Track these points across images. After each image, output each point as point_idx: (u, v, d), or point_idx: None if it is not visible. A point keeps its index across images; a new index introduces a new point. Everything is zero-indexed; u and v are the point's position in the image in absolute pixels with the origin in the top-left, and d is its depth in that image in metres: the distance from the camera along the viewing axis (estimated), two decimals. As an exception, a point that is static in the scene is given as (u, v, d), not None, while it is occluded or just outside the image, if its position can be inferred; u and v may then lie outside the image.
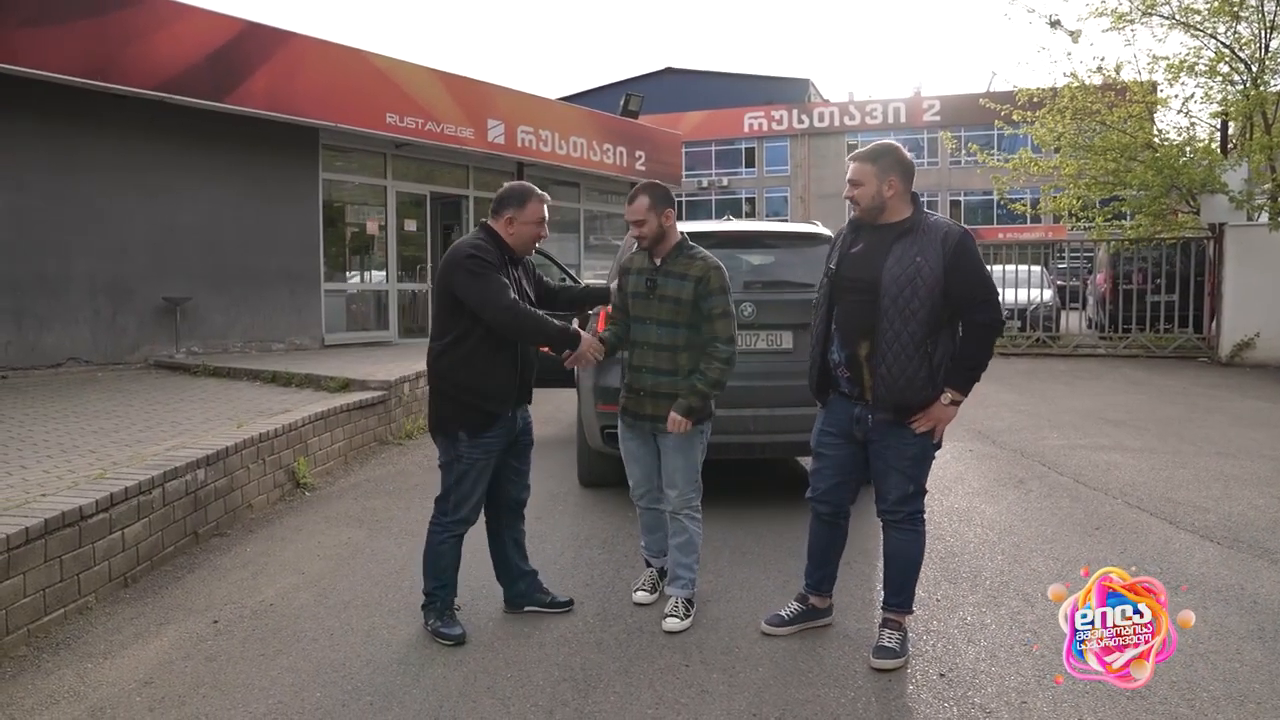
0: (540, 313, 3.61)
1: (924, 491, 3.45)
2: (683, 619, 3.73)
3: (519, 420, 3.77)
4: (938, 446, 3.41)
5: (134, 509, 4.30)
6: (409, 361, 9.28)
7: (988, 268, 3.34)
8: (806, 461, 6.40)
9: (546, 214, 3.68)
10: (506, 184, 3.75)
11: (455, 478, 3.63)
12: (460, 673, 3.35)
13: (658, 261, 3.79)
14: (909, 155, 3.41)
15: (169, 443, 5.38)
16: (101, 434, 5.77)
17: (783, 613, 3.70)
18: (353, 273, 13.11)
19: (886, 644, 3.38)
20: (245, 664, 3.44)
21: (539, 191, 3.68)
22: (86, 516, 3.97)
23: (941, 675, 3.29)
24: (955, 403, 3.29)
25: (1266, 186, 13.68)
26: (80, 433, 5.83)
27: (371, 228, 12.90)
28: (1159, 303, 14.20)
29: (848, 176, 3.39)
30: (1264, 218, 13.46)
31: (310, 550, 4.83)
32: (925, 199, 45.25)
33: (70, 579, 3.86)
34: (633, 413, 3.87)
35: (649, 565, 4.11)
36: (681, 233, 3.86)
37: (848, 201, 3.43)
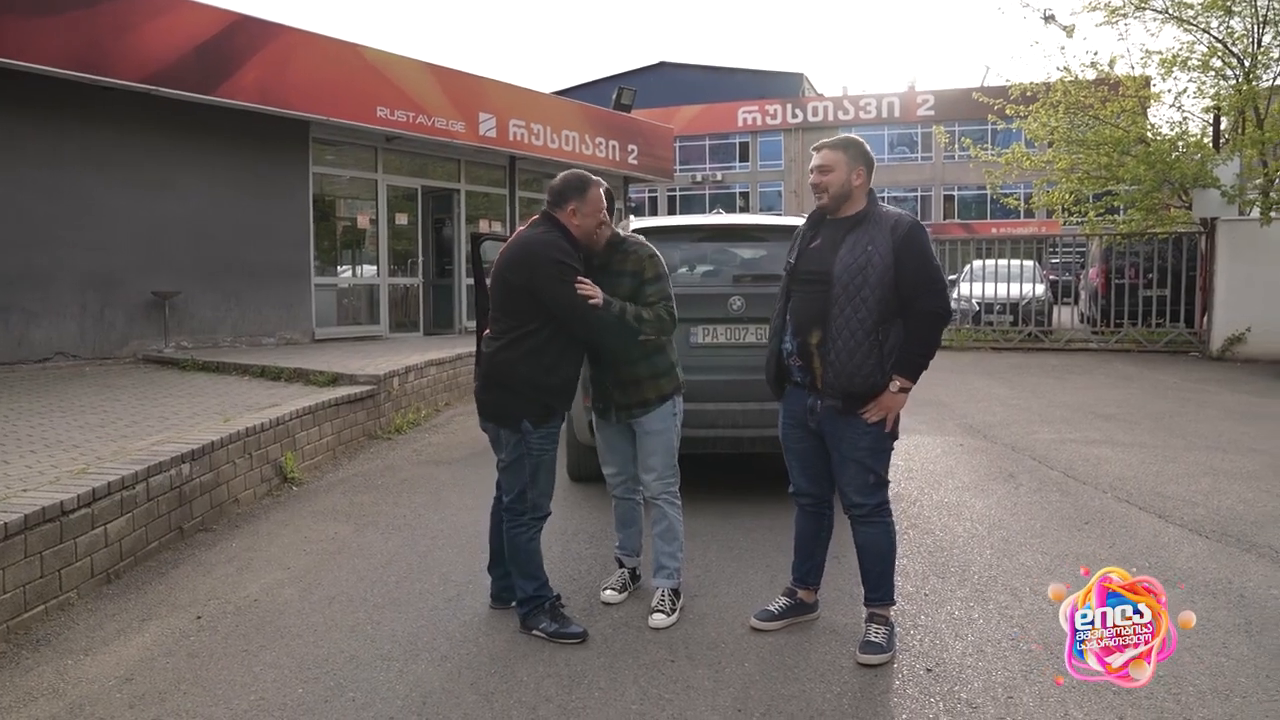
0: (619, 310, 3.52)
1: (886, 482, 3.46)
2: (669, 614, 3.70)
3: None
4: (894, 437, 3.41)
5: (117, 504, 4.27)
6: (400, 356, 9.25)
7: (937, 260, 3.36)
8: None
9: (604, 201, 3.58)
10: (560, 175, 3.59)
11: (530, 474, 3.55)
12: (444, 669, 3.32)
13: (596, 262, 3.68)
14: (870, 149, 3.47)
15: (155, 438, 5.35)
16: (87, 429, 5.73)
17: (771, 608, 3.69)
18: (344, 267, 13.04)
19: (873, 639, 3.37)
20: (227, 660, 3.41)
21: (595, 177, 3.58)
22: (68, 512, 3.93)
23: (928, 670, 3.28)
24: (904, 390, 3.29)
25: (1258, 181, 13.67)
26: (65, 428, 5.79)
27: (362, 222, 12.85)
28: (1151, 297, 14.22)
29: (815, 164, 3.41)
30: (1255, 212, 13.46)
31: (296, 545, 4.80)
32: (919, 193, 45.40)
33: (51, 575, 3.83)
34: (603, 404, 3.84)
35: (621, 565, 4.09)
36: (613, 229, 3.77)
37: (813, 189, 3.43)
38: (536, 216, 3.62)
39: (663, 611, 3.71)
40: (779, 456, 6.48)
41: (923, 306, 3.25)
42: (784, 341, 3.49)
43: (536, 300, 3.41)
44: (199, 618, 3.82)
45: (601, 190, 3.58)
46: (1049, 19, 16.53)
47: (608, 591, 3.98)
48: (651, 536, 3.90)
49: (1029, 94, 15.25)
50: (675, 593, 3.80)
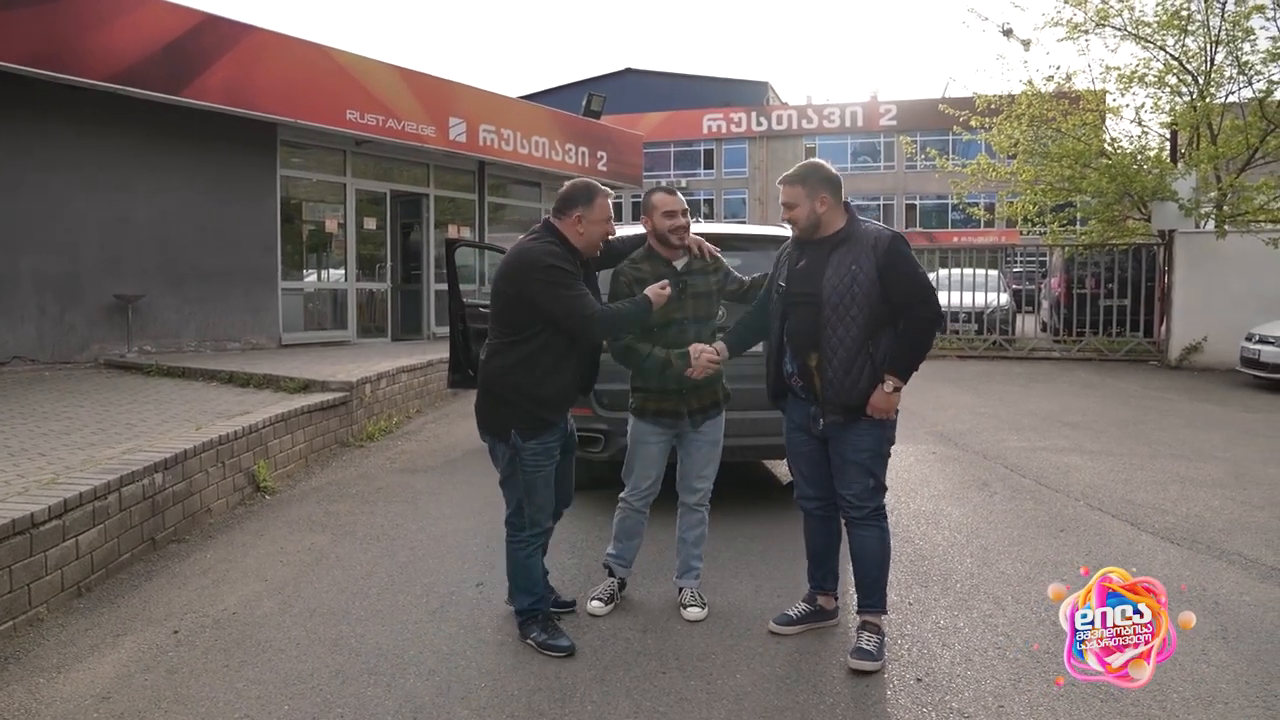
0: (619, 304, 3.57)
1: (884, 488, 3.53)
2: (702, 608, 3.87)
3: (568, 421, 3.72)
4: (891, 441, 3.50)
5: (88, 515, 4.15)
6: (369, 362, 9.14)
7: (922, 267, 3.47)
8: (778, 466, 6.45)
9: (612, 211, 3.60)
10: (568, 183, 3.60)
11: (524, 490, 3.52)
12: (432, 683, 3.28)
13: (678, 264, 3.83)
14: (833, 169, 3.54)
15: (124, 446, 5.21)
16: (51, 436, 5.57)
17: (791, 612, 3.74)
18: (310, 271, 12.86)
19: (865, 646, 3.41)
20: (208, 676, 3.33)
21: (603, 187, 3.60)
22: (38, 524, 3.81)
23: (918, 680, 3.30)
24: (896, 389, 3.37)
25: (1213, 195, 14.06)
26: (29, 435, 5.62)
27: (330, 225, 12.67)
28: (1111, 307, 14.51)
29: (780, 200, 3.54)
30: (1211, 225, 13.84)
31: (273, 556, 4.71)
32: (881, 202, 45.95)
33: (20, 589, 3.71)
34: (673, 413, 3.84)
35: (611, 574, 4.07)
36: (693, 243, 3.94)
37: (786, 224, 3.57)
38: (538, 225, 3.61)
39: (697, 605, 3.87)
40: (761, 467, 6.58)
41: (917, 313, 3.35)
42: (785, 363, 3.58)
43: (531, 309, 3.40)
44: (176, 632, 3.72)
45: (606, 198, 3.59)
46: (1007, 33, 16.87)
47: (594, 603, 3.94)
48: (683, 541, 3.98)
49: (993, 106, 15.52)
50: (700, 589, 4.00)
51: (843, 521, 3.59)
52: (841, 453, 3.45)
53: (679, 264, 3.84)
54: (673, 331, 3.77)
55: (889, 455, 3.53)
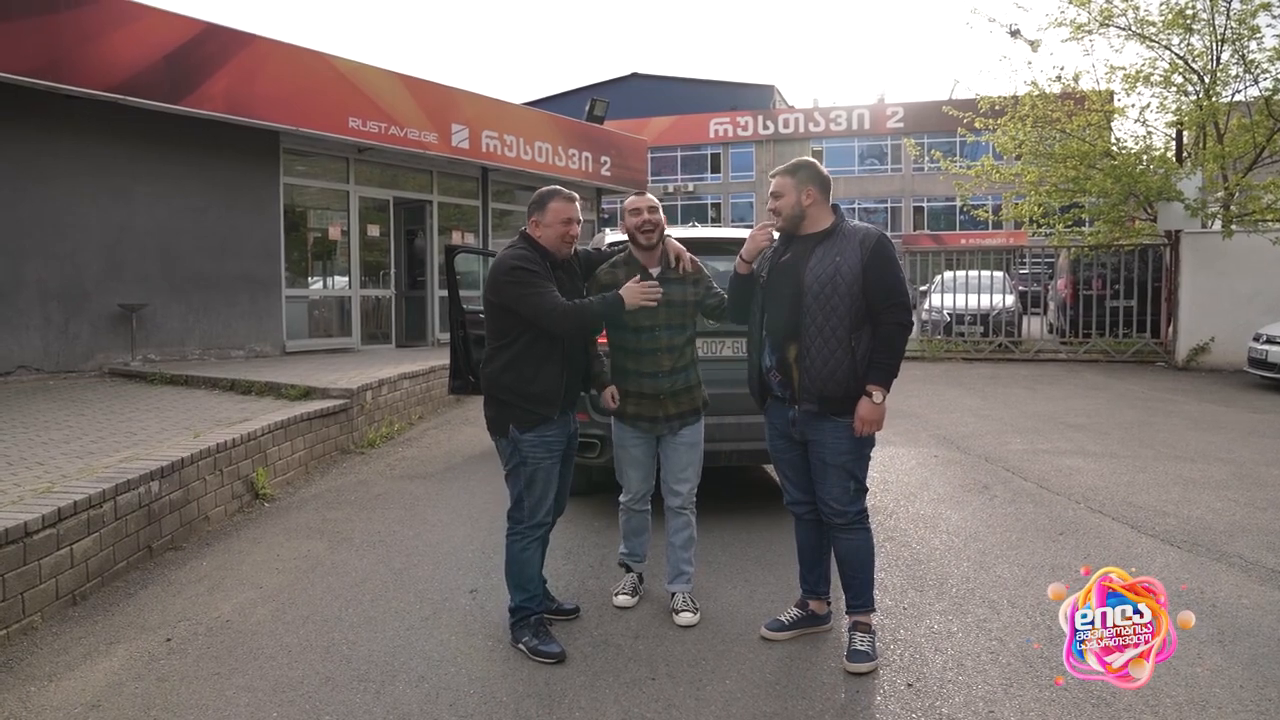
0: (587, 299, 3.65)
1: (865, 489, 3.54)
2: (695, 612, 3.88)
3: (571, 424, 3.79)
4: (871, 443, 3.50)
5: (83, 524, 4.16)
6: (372, 369, 9.16)
7: (903, 272, 3.47)
8: (773, 470, 6.43)
9: (575, 212, 3.67)
10: (538, 189, 3.75)
11: (525, 482, 3.63)
12: (421, 690, 3.27)
13: (654, 271, 3.85)
14: (825, 169, 3.61)
15: (122, 454, 5.23)
16: (51, 445, 5.60)
17: (782, 618, 3.74)
18: (315, 278, 12.89)
19: (860, 647, 3.41)
20: (199, 684, 3.34)
21: (564, 191, 3.69)
22: (32, 532, 3.83)
23: (909, 685, 3.28)
24: (883, 399, 3.39)
25: (1219, 195, 13.98)
26: (28, 444, 5.65)
27: (334, 233, 12.71)
28: (1118, 308, 14.44)
29: (769, 190, 3.58)
30: (1217, 225, 13.75)
31: (269, 563, 4.71)
32: (889, 204, 45.84)
33: (14, 598, 3.72)
34: (650, 418, 3.88)
35: (630, 570, 4.16)
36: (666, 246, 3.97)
37: (770, 214, 3.59)
38: (516, 235, 3.73)
39: (689, 610, 3.88)
40: (756, 469, 6.56)
41: (889, 318, 3.37)
42: (764, 357, 3.58)
43: (508, 312, 3.54)
44: (169, 640, 3.73)
45: (564, 201, 3.65)
46: (1015, 33, 16.82)
47: (621, 596, 4.06)
48: (671, 545, 3.99)
49: (997, 107, 15.47)
50: (693, 595, 4.00)
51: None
52: (821, 456, 3.45)
53: (655, 271, 3.85)
54: (644, 337, 3.83)
55: (869, 456, 3.52)
